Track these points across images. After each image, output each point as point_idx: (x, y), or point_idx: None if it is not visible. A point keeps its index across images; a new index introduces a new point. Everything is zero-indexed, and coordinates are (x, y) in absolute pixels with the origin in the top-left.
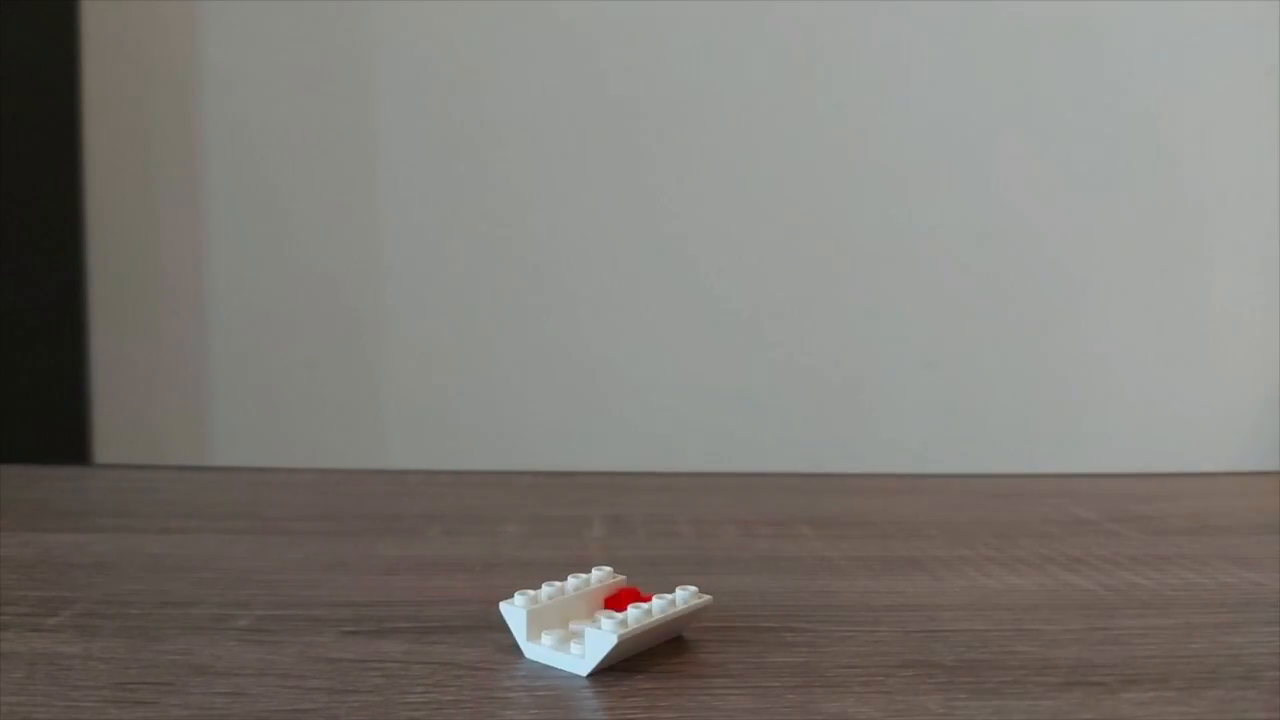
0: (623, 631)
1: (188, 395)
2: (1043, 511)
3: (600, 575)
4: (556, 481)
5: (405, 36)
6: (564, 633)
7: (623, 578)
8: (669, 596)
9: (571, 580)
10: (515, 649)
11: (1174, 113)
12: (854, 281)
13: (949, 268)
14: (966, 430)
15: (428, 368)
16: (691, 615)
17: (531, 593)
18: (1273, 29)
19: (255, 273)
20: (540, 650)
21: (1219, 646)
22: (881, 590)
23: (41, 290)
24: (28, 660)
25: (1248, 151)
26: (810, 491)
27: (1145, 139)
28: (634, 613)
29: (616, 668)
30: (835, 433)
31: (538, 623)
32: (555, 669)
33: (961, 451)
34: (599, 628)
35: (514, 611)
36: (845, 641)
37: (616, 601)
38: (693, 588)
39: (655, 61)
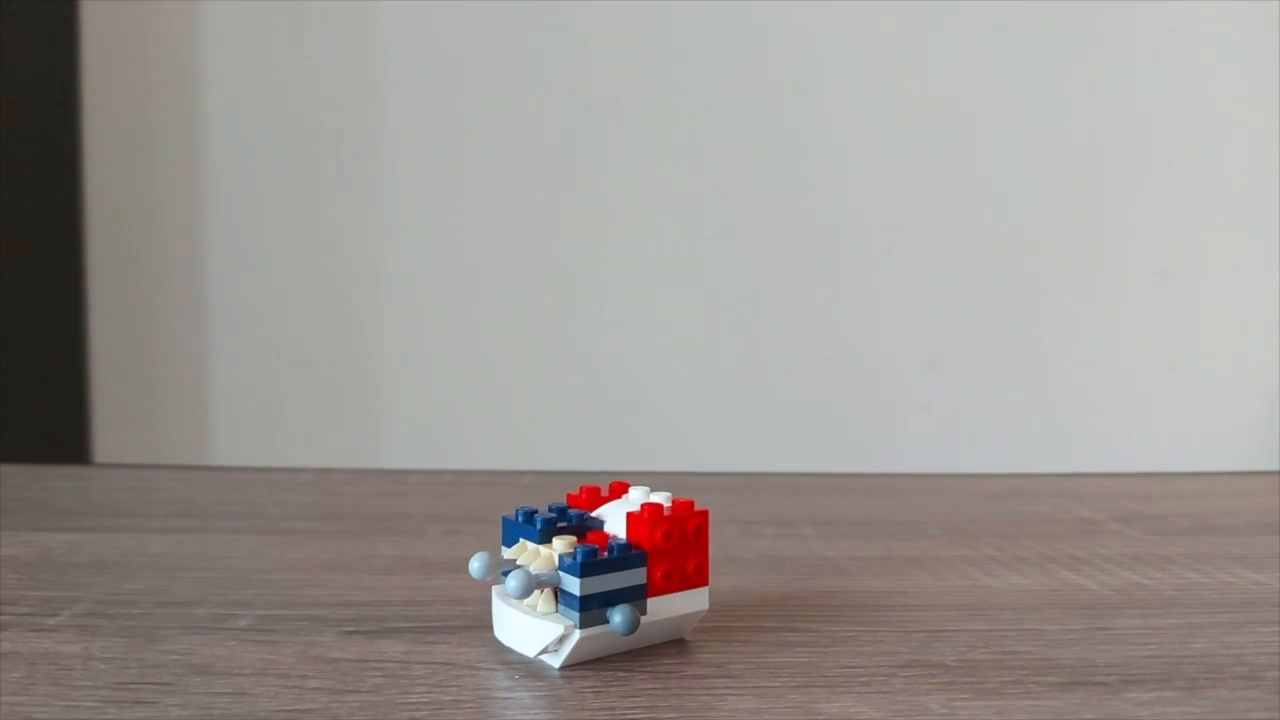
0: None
1: (188, 395)
2: (1045, 511)
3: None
4: (557, 481)
5: (406, 36)
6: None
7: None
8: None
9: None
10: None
11: (1174, 112)
12: (855, 281)
13: (950, 267)
14: (968, 430)
15: (428, 367)
16: (689, 617)
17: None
18: (1273, 29)
19: (255, 273)
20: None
21: (1221, 646)
22: (883, 590)
23: (41, 290)
24: (28, 660)
25: (1248, 151)
26: (812, 491)
27: (1145, 138)
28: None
29: (618, 667)
30: (837, 432)
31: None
32: (553, 668)
33: (963, 451)
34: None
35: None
36: (847, 641)
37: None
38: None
39: (658, 61)
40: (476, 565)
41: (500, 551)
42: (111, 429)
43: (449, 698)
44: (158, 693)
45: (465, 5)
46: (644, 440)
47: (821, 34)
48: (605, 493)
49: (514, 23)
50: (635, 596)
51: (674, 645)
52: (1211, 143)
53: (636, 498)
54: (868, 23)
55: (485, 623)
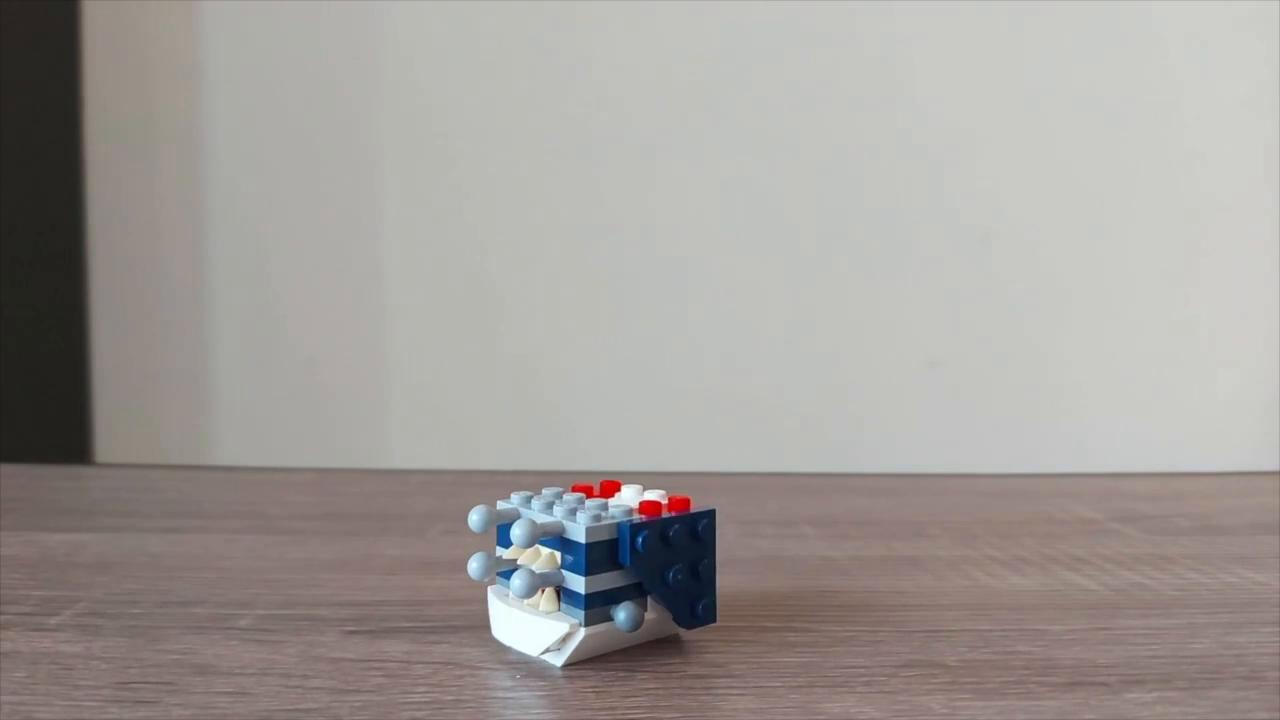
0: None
1: (189, 394)
2: (1046, 511)
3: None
4: (558, 481)
5: (406, 35)
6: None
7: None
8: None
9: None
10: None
11: (1174, 112)
12: (857, 281)
13: (952, 267)
14: (969, 430)
15: (430, 367)
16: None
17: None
18: (1273, 29)
19: (256, 272)
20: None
21: (1222, 647)
22: (884, 590)
23: (42, 290)
24: (30, 659)
25: (1248, 151)
26: (813, 491)
27: (1145, 138)
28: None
29: (619, 666)
30: (838, 432)
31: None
32: (554, 667)
33: (964, 451)
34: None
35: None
36: (848, 642)
37: None
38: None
39: (654, 62)
40: (475, 566)
41: (497, 552)
42: (112, 429)
43: (450, 697)
44: (159, 692)
45: (465, 6)
46: (646, 440)
47: (820, 31)
48: (596, 492)
49: (515, 22)
50: (638, 594)
51: (675, 645)
52: (1212, 142)
53: (629, 496)
54: (868, 21)
55: (486, 622)
